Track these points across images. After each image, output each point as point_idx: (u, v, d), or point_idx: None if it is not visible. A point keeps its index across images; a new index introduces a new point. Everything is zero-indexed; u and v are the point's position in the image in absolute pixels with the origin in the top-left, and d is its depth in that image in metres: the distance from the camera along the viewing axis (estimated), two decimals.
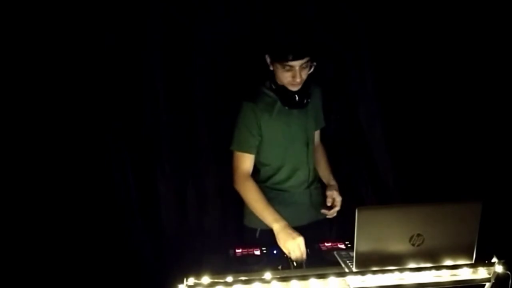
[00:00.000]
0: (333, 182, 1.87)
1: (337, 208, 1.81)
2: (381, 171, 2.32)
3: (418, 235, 1.22)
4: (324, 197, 1.87)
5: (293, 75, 1.62)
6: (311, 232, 1.76)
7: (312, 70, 1.67)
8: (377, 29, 2.19)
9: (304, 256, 1.50)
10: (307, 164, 1.85)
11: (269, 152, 1.80)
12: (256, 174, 1.83)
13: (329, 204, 1.80)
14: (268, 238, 1.66)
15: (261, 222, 1.73)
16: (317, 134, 1.97)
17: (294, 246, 1.51)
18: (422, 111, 2.27)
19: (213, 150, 2.21)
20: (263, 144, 1.78)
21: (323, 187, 1.93)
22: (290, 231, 1.56)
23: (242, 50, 2.09)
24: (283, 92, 1.72)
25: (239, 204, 2.24)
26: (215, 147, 2.20)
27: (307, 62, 1.62)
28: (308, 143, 1.83)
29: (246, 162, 1.75)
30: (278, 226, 1.59)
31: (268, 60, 1.69)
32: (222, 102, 2.17)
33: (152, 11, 2.06)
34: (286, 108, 1.73)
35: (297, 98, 1.71)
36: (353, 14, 2.18)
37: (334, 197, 1.80)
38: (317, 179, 1.94)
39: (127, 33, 2.05)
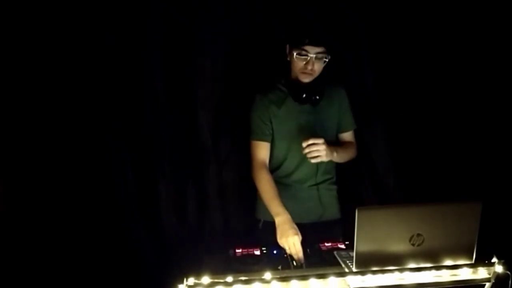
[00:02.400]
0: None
1: (308, 142, 1.61)
2: (381, 171, 2.32)
3: (418, 235, 1.22)
4: (338, 199, 1.96)
5: (306, 62, 1.67)
6: (318, 232, 1.77)
7: (325, 63, 1.71)
8: (377, 29, 2.19)
9: (300, 254, 1.50)
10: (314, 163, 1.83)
11: (274, 144, 1.84)
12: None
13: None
14: (270, 230, 1.69)
15: (265, 213, 1.78)
16: (347, 135, 1.93)
17: (289, 243, 1.52)
18: (422, 111, 2.27)
19: (213, 150, 2.21)
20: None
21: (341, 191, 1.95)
22: (288, 226, 1.57)
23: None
24: (294, 86, 1.76)
25: (239, 204, 2.25)
26: (215, 147, 2.20)
27: (322, 53, 1.67)
28: None
29: (261, 150, 1.81)
30: (279, 219, 1.63)
31: (287, 49, 1.75)
32: (222, 102, 2.17)
33: (152, 11, 2.06)
34: (297, 103, 1.77)
35: (305, 94, 1.74)
36: (353, 14, 2.18)
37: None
38: (333, 180, 1.94)
39: (127, 33, 2.05)
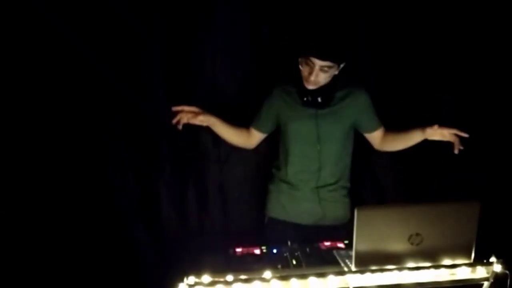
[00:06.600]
0: (427, 129, 1.81)
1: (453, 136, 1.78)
2: (380, 171, 2.32)
3: (417, 234, 1.22)
4: (349, 204, 1.92)
5: (309, 71, 1.67)
6: (319, 234, 1.75)
7: (334, 75, 1.71)
8: (377, 29, 2.19)
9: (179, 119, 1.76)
10: (317, 164, 1.83)
11: (280, 144, 1.90)
12: (274, 162, 1.97)
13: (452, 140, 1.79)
14: (275, 226, 1.80)
15: (271, 210, 1.92)
16: (373, 136, 1.92)
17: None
18: (422, 111, 2.27)
19: (213, 150, 2.21)
20: (281, 134, 1.89)
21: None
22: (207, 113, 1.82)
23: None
24: (300, 88, 1.77)
25: (239, 203, 2.26)
26: (215, 147, 2.20)
27: (328, 66, 1.65)
28: (320, 144, 1.80)
29: (252, 136, 1.92)
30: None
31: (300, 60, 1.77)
32: (222, 102, 2.17)
33: (153, 11, 2.06)
34: (303, 105, 1.78)
35: (307, 97, 1.74)
36: (353, 14, 2.18)
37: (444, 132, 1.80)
38: (339, 184, 1.89)
39: (127, 33, 2.05)
